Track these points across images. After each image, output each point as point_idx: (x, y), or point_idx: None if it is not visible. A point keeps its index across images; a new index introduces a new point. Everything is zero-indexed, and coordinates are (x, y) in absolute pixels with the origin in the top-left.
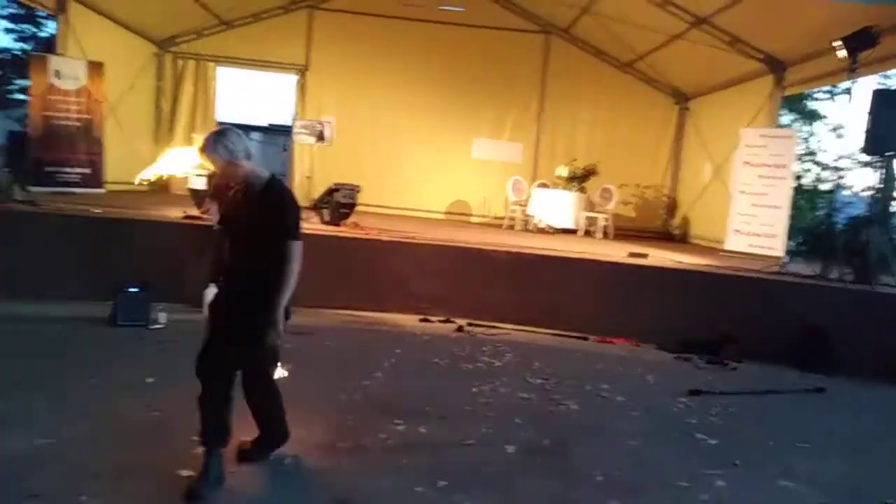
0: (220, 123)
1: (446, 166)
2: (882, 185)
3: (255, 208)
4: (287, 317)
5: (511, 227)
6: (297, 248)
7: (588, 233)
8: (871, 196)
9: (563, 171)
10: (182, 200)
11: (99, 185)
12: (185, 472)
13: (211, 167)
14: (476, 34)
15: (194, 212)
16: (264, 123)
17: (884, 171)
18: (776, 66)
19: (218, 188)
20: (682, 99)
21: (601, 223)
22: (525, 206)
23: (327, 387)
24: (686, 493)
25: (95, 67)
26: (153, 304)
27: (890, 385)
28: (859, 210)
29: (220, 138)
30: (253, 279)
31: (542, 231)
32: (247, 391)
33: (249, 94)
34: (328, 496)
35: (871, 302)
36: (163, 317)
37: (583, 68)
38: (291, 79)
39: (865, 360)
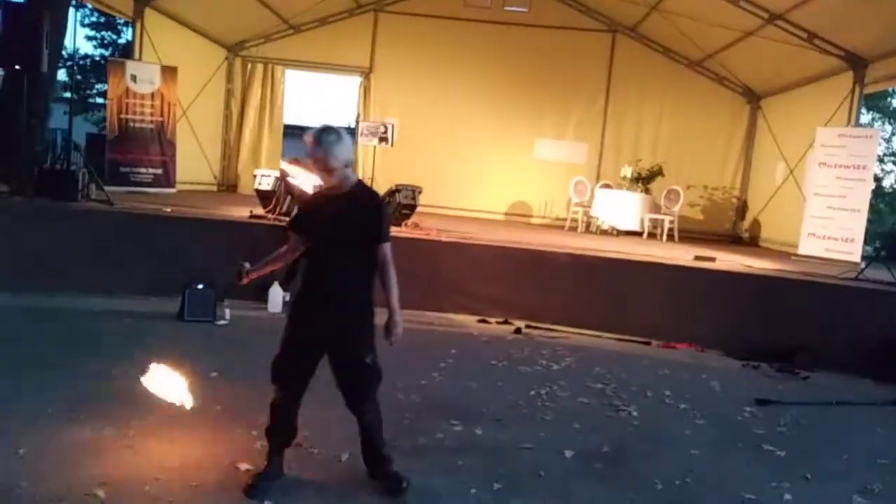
0: (288, 126)
1: (508, 167)
2: None
3: (350, 212)
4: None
5: (573, 229)
6: (389, 249)
7: (652, 235)
8: None
9: (627, 171)
10: (248, 201)
11: (170, 185)
12: (244, 466)
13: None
14: (540, 34)
15: (260, 211)
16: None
17: None
18: (856, 63)
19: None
20: (753, 98)
21: (666, 225)
22: (588, 207)
23: (385, 385)
24: None
25: (169, 71)
26: (219, 300)
27: None
28: None
29: (341, 139)
30: (348, 284)
31: (605, 233)
32: (353, 408)
33: (315, 97)
34: (382, 494)
35: None
36: (227, 313)
37: (650, 67)
38: (356, 81)
39: None
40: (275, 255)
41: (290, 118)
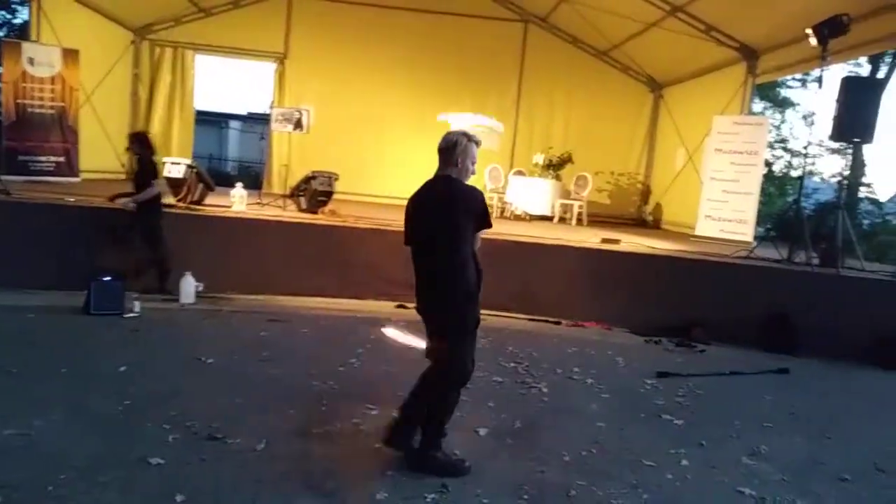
0: (200, 112)
1: (425, 154)
2: (849, 172)
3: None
4: None
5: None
6: None
7: (563, 219)
8: (838, 182)
9: (539, 158)
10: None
11: (74, 173)
12: (154, 461)
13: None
14: (455, 22)
15: (170, 199)
16: (243, 112)
17: (851, 157)
18: (749, 54)
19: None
20: (656, 87)
21: (576, 210)
22: (502, 193)
23: (302, 374)
24: (652, 473)
25: (71, 55)
26: (127, 292)
27: (852, 366)
28: (827, 196)
29: None
30: None
31: (518, 218)
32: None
33: (229, 82)
34: (299, 481)
35: (836, 286)
36: (137, 305)
37: (560, 57)
38: (270, 67)
39: (829, 342)
40: None
41: (203, 104)
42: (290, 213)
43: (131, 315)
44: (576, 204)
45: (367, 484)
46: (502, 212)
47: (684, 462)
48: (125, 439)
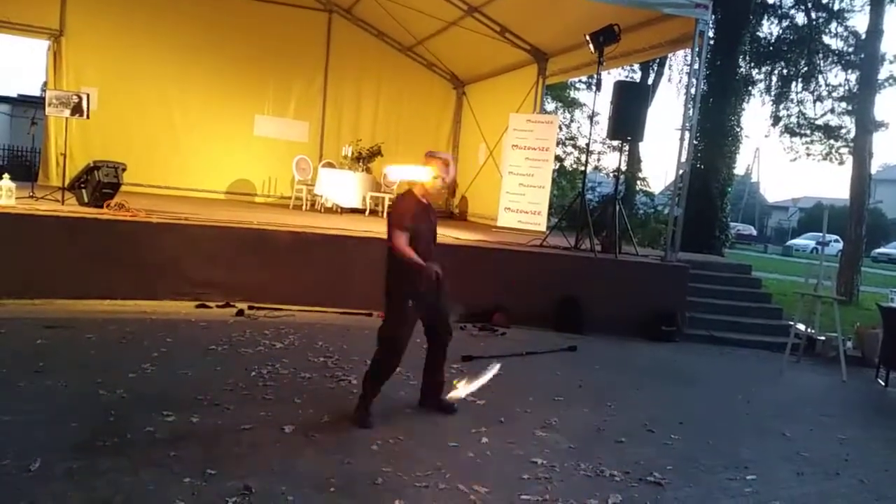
0: None
1: (227, 144)
2: (626, 167)
3: (434, 217)
4: None
5: (298, 207)
6: None
7: (374, 212)
8: (614, 177)
9: (348, 151)
10: None
11: None
12: None
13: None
14: (257, 8)
15: None
16: (13, 94)
17: (627, 154)
18: (539, 57)
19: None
20: (459, 84)
21: (387, 202)
22: (312, 185)
23: (87, 383)
24: (454, 453)
25: None
26: None
27: (627, 339)
28: (610, 189)
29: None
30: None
31: (329, 211)
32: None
33: None
34: (80, 499)
35: (614, 269)
36: None
37: (366, 49)
38: (43, 44)
39: (609, 320)
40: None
41: None
42: (70, 208)
43: None
44: (386, 197)
45: (163, 493)
46: (313, 205)
47: (484, 440)
48: None
